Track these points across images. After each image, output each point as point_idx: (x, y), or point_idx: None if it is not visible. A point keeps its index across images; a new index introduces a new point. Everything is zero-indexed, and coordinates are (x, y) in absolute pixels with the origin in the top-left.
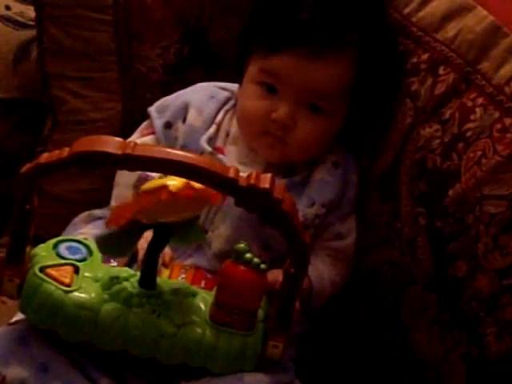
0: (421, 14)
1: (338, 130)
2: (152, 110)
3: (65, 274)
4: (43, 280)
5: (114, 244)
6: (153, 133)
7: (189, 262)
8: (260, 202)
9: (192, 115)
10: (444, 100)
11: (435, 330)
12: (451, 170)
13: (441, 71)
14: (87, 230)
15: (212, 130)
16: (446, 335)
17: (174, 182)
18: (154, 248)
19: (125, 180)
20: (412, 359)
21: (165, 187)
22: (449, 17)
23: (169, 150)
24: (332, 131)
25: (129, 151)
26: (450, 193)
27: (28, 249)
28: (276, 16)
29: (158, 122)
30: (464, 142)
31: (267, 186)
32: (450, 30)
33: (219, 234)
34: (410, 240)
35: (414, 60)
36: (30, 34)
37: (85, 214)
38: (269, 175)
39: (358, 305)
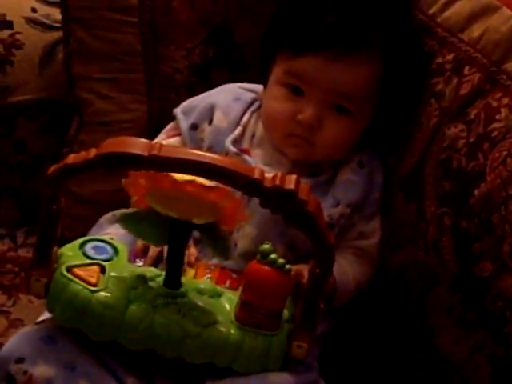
0: (445, 14)
1: (364, 131)
2: (178, 111)
3: (91, 273)
4: (70, 280)
5: (144, 227)
6: (179, 134)
7: (214, 261)
8: (285, 203)
9: (218, 117)
10: (469, 100)
11: (460, 330)
12: (476, 170)
13: (466, 71)
14: (112, 230)
15: (238, 131)
16: (470, 335)
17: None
18: (173, 246)
19: None
20: (437, 359)
21: (169, 175)
22: (474, 17)
23: (194, 151)
24: (358, 132)
25: (155, 152)
26: (476, 193)
27: (55, 249)
28: (300, 18)
29: (184, 124)
30: (489, 142)
31: (292, 187)
32: (475, 30)
33: (244, 234)
34: (435, 240)
35: (439, 60)
36: (56, 35)
37: (110, 214)
38: (294, 176)
39: (383, 305)
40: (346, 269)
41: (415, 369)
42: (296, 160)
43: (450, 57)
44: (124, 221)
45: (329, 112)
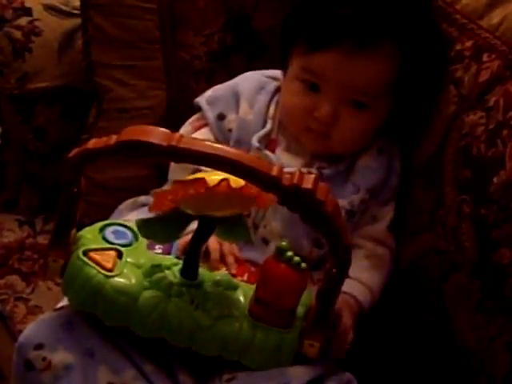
0: (465, 0)
1: (382, 122)
2: (202, 102)
3: (107, 258)
4: (85, 263)
5: (157, 230)
6: (205, 125)
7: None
8: (303, 202)
9: (243, 109)
10: (488, 87)
11: (479, 318)
12: (496, 157)
13: (485, 58)
14: (132, 216)
15: (269, 125)
16: (489, 322)
17: (215, 177)
18: (198, 239)
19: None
20: (455, 346)
21: (201, 180)
22: (493, 4)
23: (214, 144)
24: (376, 124)
25: (174, 143)
26: (495, 180)
27: (73, 231)
28: (315, 13)
29: (211, 114)
30: (508, 129)
31: (310, 186)
32: (495, 16)
33: (272, 231)
34: (454, 227)
35: (458, 47)
36: (74, 22)
37: (130, 200)
38: (312, 175)
39: (402, 292)
40: (373, 278)
41: (434, 356)
42: (315, 153)
43: (469, 44)
44: (138, 227)
45: (346, 107)
